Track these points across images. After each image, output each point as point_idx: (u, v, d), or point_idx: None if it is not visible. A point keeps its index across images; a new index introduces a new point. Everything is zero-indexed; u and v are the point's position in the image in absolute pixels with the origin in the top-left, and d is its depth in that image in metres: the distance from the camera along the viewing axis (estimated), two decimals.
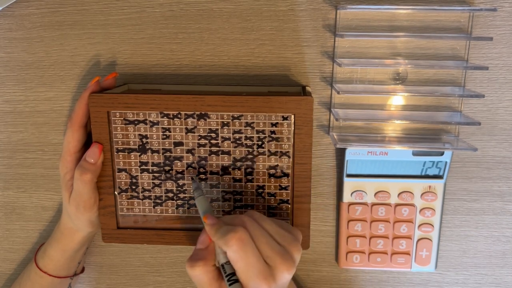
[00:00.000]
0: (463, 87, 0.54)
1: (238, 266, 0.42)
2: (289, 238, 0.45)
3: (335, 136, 0.55)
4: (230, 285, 0.42)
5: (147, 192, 0.53)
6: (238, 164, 0.51)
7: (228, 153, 0.51)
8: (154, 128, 0.50)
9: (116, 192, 0.53)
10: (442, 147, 0.52)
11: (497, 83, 0.54)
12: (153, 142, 0.51)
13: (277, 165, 0.51)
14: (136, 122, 0.50)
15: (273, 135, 0.50)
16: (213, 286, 0.44)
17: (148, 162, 0.52)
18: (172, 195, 0.53)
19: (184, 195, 0.52)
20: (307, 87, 0.54)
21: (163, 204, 0.53)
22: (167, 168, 0.52)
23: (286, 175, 0.51)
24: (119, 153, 0.51)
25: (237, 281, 0.42)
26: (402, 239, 0.57)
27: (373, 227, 0.57)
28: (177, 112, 0.50)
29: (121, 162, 0.52)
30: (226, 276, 0.43)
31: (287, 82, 0.55)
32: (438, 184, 0.55)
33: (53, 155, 0.60)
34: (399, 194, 0.55)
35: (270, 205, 0.52)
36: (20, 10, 0.56)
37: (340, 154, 0.57)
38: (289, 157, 0.51)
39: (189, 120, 0.50)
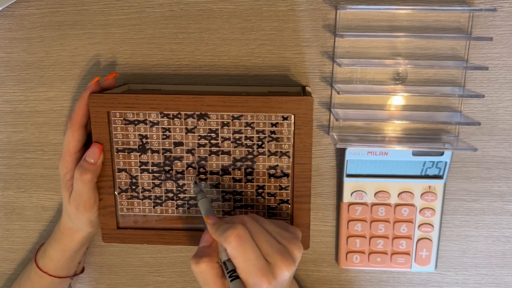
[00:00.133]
0: (463, 87, 0.54)
1: (238, 262, 0.42)
2: (289, 236, 0.45)
3: (335, 136, 0.55)
4: (231, 281, 0.43)
5: (147, 192, 0.53)
6: (238, 164, 0.51)
7: (228, 153, 0.51)
8: (154, 128, 0.51)
9: (116, 192, 0.53)
10: (442, 147, 0.52)
11: (497, 83, 0.54)
12: (153, 142, 0.51)
13: (277, 165, 0.51)
14: (136, 122, 0.50)
15: (273, 135, 0.50)
16: (217, 283, 0.44)
17: (148, 162, 0.52)
18: (172, 195, 0.53)
19: (184, 195, 0.52)
20: (307, 87, 0.54)
21: (163, 204, 0.53)
22: (167, 168, 0.52)
23: (286, 175, 0.51)
24: (119, 153, 0.51)
25: (238, 277, 0.43)
26: (402, 239, 0.57)
27: (373, 227, 0.57)
28: (177, 112, 0.50)
29: (121, 162, 0.52)
30: (228, 272, 0.43)
31: (287, 82, 0.55)
32: (438, 184, 0.55)
33: (53, 155, 0.60)
34: (399, 194, 0.55)
35: (270, 205, 0.52)
36: (20, 10, 0.56)
37: (340, 154, 0.57)
38: (289, 157, 0.51)
39: (189, 120, 0.50)
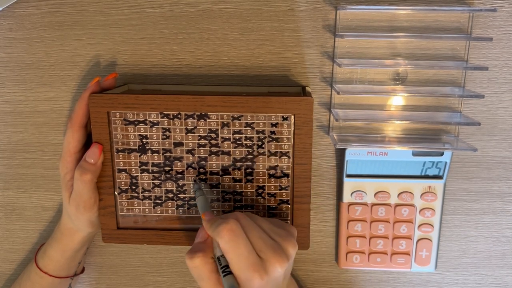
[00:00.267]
0: (463, 87, 0.54)
1: (230, 257, 0.43)
2: (284, 234, 0.46)
3: (335, 136, 0.55)
4: (223, 276, 0.43)
5: (147, 193, 0.53)
6: (238, 164, 0.51)
7: (228, 153, 0.51)
8: (154, 129, 0.51)
9: (116, 193, 0.53)
10: (442, 147, 0.52)
11: (497, 83, 0.54)
12: (153, 143, 0.51)
13: (277, 166, 0.51)
14: (136, 123, 0.50)
15: (273, 136, 0.50)
16: (211, 278, 0.44)
17: (148, 163, 0.52)
18: (172, 195, 0.53)
19: (184, 195, 0.52)
20: (307, 88, 0.54)
21: (163, 204, 0.53)
22: (167, 168, 0.52)
23: (286, 175, 0.51)
24: (119, 153, 0.51)
25: (230, 273, 0.43)
26: (402, 239, 0.57)
27: (373, 227, 0.57)
28: (177, 113, 0.50)
29: (121, 163, 0.52)
30: (221, 268, 0.43)
31: (287, 82, 0.55)
32: (438, 184, 0.55)
33: (53, 156, 0.60)
34: (399, 194, 0.55)
35: (270, 205, 0.52)
36: (20, 10, 0.56)
37: (340, 154, 0.57)
38: (289, 157, 0.51)
39: (189, 120, 0.50)
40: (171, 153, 0.51)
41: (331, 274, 0.61)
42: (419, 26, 0.53)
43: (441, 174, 0.55)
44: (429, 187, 0.55)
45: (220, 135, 0.50)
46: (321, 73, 0.55)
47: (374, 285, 0.61)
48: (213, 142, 0.51)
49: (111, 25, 0.55)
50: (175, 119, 0.50)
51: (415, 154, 0.53)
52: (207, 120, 0.50)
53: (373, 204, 0.56)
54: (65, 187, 0.53)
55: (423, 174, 0.55)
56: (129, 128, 0.51)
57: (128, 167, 0.52)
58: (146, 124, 0.50)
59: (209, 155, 0.51)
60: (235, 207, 0.52)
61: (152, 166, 0.52)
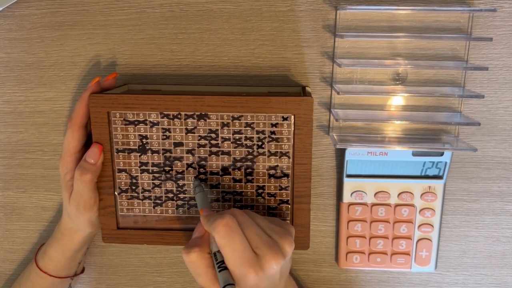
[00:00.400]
0: (463, 87, 0.54)
1: (225, 252, 0.43)
2: (280, 231, 0.45)
3: (335, 137, 0.55)
4: (219, 272, 0.43)
5: (147, 193, 0.53)
6: (238, 164, 0.51)
7: (228, 153, 0.51)
8: (154, 129, 0.51)
9: (116, 193, 0.53)
10: (442, 147, 0.52)
11: (497, 83, 0.54)
12: (153, 143, 0.51)
13: (277, 166, 0.51)
14: (136, 123, 0.50)
15: (273, 136, 0.50)
16: (208, 273, 0.44)
17: (148, 163, 0.52)
18: (172, 195, 0.53)
19: (184, 195, 0.52)
20: (307, 88, 0.54)
21: (163, 204, 0.53)
22: (167, 168, 0.52)
23: (286, 175, 0.51)
24: (119, 153, 0.51)
25: (226, 268, 0.43)
26: (402, 240, 0.57)
27: (373, 228, 0.57)
28: (177, 113, 0.50)
29: (121, 163, 0.52)
30: (217, 263, 0.43)
31: (287, 82, 0.55)
32: (438, 185, 0.55)
33: (53, 156, 0.60)
34: (399, 195, 0.55)
35: (270, 206, 0.52)
36: (20, 10, 0.56)
37: (340, 154, 0.57)
38: (289, 157, 0.51)
39: (189, 120, 0.50)
40: (171, 153, 0.51)
41: (331, 274, 0.61)
42: (419, 26, 0.53)
43: (441, 174, 0.55)
44: (429, 187, 0.55)
45: (220, 135, 0.50)
46: (321, 73, 0.55)
47: (374, 285, 0.61)
48: (213, 142, 0.51)
49: (111, 25, 0.55)
50: (175, 119, 0.50)
51: (415, 154, 0.53)
52: (207, 120, 0.50)
53: (373, 204, 0.56)
54: (65, 187, 0.53)
55: (423, 174, 0.55)
56: (129, 128, 0.51)
57: (128, 167, 0.52)
58: (146, 124, 0.50)
59: (209, 155, 0.51)
60: (235, 207, 0.52)
61: (152, 166, 0.52)
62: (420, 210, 0.56)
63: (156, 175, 0.52)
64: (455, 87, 0.54)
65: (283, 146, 0.50)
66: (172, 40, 0.55)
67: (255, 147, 0.50)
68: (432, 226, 0.56)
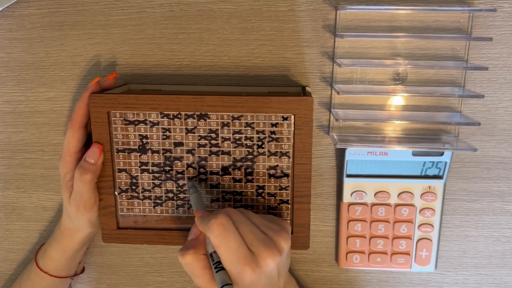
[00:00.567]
0: (463, 87, 0.54)
1: (220, 251, 0.43)
2: (276, 228, 0.45)
3: (335, 136, 0.55)
4: (216, 272, 0.43)
5: (147, 192, 0.53)
6: (238, 164, 0.51)
7: (228, 153, 0.51)
8: (154, 129, 0.51)
9: (116, 192, 0.53)
10: (442, 147, 0.52)
11: (497, 83, 0.54)
12: (153, 143, 0.51)
13: (277, 165, 0.51)
14: (136, 123, 0.50)
15: (273, 135, 0.50)
16: (205, 275, 0.44)
17: (148, 163, 0.52)
18: (172, 195, 0.53)
19: (184, 195, 0.52)
20: (307, 88, 0.54)
21: (163, 204, 0.53)
22: (167, 168, 0.52)
23: (286, 175, 0.51)
24: (119, 153, 0.51)
25: (223, 268, 0.43)
26: (402, 239, 0.57)
27: (373, 227, 0.57)
28: (177, 113, 0.50)
29: (121, 163, 0.52)
30: (214, 264, 0.43)
31: (287, 82, 0.55)
32: (438, 184, 0.55)
33: (53, 155, 0.60)
34: (399, 194, 0.55)
35: (270, 205, 0.52)
36: (20, 10, 0.56)
37: (340, 154, 0.57)
38: (289, 157, 0.51)
39: (189, 120, 0.50)
40: (171, 153, 0.51)
41: (331, 274, 0.61)
42: (419, 26, 0.53)
43: (441, 174, 0.55)
44: (429, 187, 0.55)
45: (220, 135, 0.50)
46: (321, 73, 0.55)
47: (374, 285, 0.61)
48: (213, 142, 0.51)
49: (111, 25, 0.55)
50: (175, 119, 0.50)
51: (415, 154, 0.53)
52: (207, 120, 0.50)
53: (373, 204, 0.56)
54: (65, 187, 0.53)
55: (423, 174, 0.55)
56: (129, 128, 0.51)
57: (128, 167, 0.52)
58: (146, 124, 0.50)
59: (209, 155, 0.51)
60: (235, 207, 0.52)
61: (152, 166, 0.52)
62: (420, 210, 0.56)
63: (156, 175, 0.52)
64: (455, 87, 0.54)
65: (283, 146, 0.50)
66: (172, 40, 0.55)
67: (255, 147, 0.50)
68: (432, 226, 0.56)
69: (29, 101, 0.58)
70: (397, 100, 0.55)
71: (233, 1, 0.54)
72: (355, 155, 0.54)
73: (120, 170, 0.52)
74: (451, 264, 0.59)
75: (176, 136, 0.51)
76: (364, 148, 0.53)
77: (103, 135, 0.51)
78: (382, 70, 0.54)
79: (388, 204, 0.56)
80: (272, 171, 0.51)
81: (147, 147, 0.51)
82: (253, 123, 0.50)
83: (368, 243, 0.57)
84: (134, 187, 0.52)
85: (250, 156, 0.51)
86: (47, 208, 0.62)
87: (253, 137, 0.50)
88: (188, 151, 0.51)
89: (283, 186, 0.51)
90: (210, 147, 0.51)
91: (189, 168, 0.52)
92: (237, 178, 0.52)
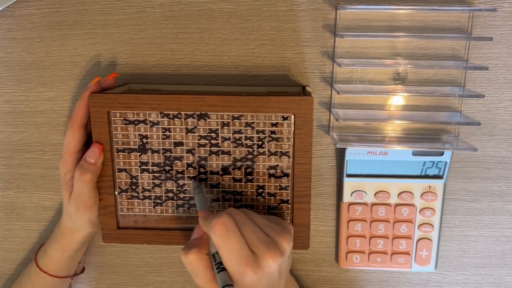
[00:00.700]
0: (463, 87, 0.54)
1: (222, 252, 0.42)
2: (278, 229, 0.45)
3: (335, 136, 0.55)
4: (217, 273, 0.43)
5: (147, 192, 0.53)
6: (238, 164, 0.51)
7: (228, 153, 0.51)
8: (154, 128, 0.51)
9: (116, 192, 0.53)
10: (442, 147, 0.52)
11: (497, 83, 0.54)
12: (153, 142, 0.51)
13: (277, 165, 0.51)
14: (136, 122, 0.50)
15: (273, 135, 0.50)
16: (206, 275, 0.44)
17: (148, 162, 0.52)
18: (172, 195, 0.53)
19: (184, 195, 0.52)
20: (307, 87, 0.54)
21: (163, 204, 0.53)
22: (167, 168, 0.52)
23: (286, 175, 0.51)
24: (119, 153, 0.51)
25: (224, 269, 0.43)
26: (402, 239, 0.57)
27: (373, 227, 0.57)
28: (177, 112, 0.50)
29: (121, 162, 0.52)
30: (216, 264, 0.43)
31: (287, 82, 0.55)
32: (438, 184, 0.55)
33: (53, 155, 0.60)
34: (399, 194, 0.55)
35: (270, 205, 0.52)
36: (20, 10, 0.56)
37: (340, 154, 0.57)
38: (289, 157, 0.51)
39: (189, 120, 0.50)
40: (171, 152, 0.51)
41: (331, 274, 0.61)
42: (419, 26, 0.53)
43: (441, 174, 0.55)
44: (429, 187, 0.55)
45: (220, 134, 0.50)
46: (321, 73, 0.55)
47: (374, 285, 0.61)
48: (213, 141, 0.51)
49: (111, 25, 0.55)
50: (175, 119, 0.50)
51: (415, 154, 0.53)
52: (207, 120, 0.50)
53: (373, 204, 0.56)
54: (65, 187, 0.53)
55: (423, 174, 0.55)
56: (129, 128, 0.51)
57: (128, 166, 0.52)
58: (146, 123, 0.50)
59: (209, 154, 0.51)
60: (235, 207, 0.52)
61: (152, 166, 0.52)
62: (420, 210, 0.56)
63: (156, 174, 0.52)
64: (455, 87, 0.54)
65: (283, 145, 0.50)
66: (172, 39, 0.55)
67: (255, 146, 0.50)
68: (432, 225, 0.56)
69: (29, 101, 0.58)
70: (397, 100, 0.55)
71: (233, 1, 0.54)
72: (355, 155, 0.54)
73: (120, 170, 0.52)
74: (451, 264, 0.59)
75: (176, 136, 0.51)
76: (364, 148, 0.53)
77: (103, 135, 0.51)
78: (382, 70, 0.54)
79: (388, 204, 0.56)
80: (272, 171, 0.51)
81: (147, 147, 0.51)
82: (253, 122, 0.50)
83: (368, 243, 0.57)
84: (134, 187, 0.52)
85: (250, 156, 0.51)
86: (47, 208, 0.62)
87: (253, 137, 0.50)
88: (188, 151, 0.51)
89: (283, 186, 0.51)
90: (210, 147, 0.51)
91: (189, 168, 0.52)
92: (237, 178, 0.52)
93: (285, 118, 0.49)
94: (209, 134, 0.50)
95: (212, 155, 0.51)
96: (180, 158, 0.51)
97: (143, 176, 0.52)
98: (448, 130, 0.55)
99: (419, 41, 0.53)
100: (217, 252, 0.44)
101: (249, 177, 0.51)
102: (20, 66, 0.57)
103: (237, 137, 0.50)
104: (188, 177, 0.52)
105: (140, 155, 0.51)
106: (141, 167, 0.52)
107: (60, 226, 0.56)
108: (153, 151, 0.51)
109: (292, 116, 0.49)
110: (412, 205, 0.56)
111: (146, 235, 0.53)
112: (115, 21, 0.55)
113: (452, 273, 0.60)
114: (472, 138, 0.55)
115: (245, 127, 0.50)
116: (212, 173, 0.52)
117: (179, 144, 0.51)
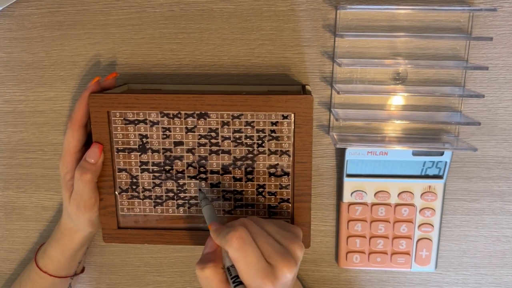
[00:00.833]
0: (463, 87, 0.54)
1: (239, 265, 0.42)
2: (290, 236, 0.45)
3: (335, 136, 0.55)
4: (234, 287, 0.42)
5: (147, 192, 0.53)
6: (239, 163, 0.51)
7: (228, 152, 0.51)
8: (154, 128, 0.51)
9: (116, 192, 0.53)
10: (442, 147, 0.52)
11: (497, 83, 0.54)
12: (153, 142, 0.51)
13: (277, 164, 0.51)
14: (136, 122, 0.50)
15: (273, 134, 0.50)
16: None
17: (148, 162, 0.52)
18: (173, 194, 0.53)
19: (185, 194, 0.52)
20: (307, 86, 0.54)
21: (164, 203, 0.53)
22: (167, 167, 0.52)
23: (287, 174, 0.51)
24: (119, 153, 0.51)
25: (241, 283, 0.42)
26: (402, 239, 0.57)
27: (373, 227, 0.57)
28: (177, 112, 0.50)
29: (121, 162, 0.52)
30: (231, 278, 0.43)
31: (287, 82, 0.55)
32: (438, 184, 0.55)
33: (53, 155, 0.60)
34: (399, 194, 0.55)
35: (270, 204, 0.52)
36: (20, 10, 0.56)
37: (340, 154, 0.57)
38: (289, 156, 0.51)
39: (189, 119, 0.50)
40: (171, 152, 0.51)
41: (331, 274, 0.61)
42: (419, 26, 0.53)
43: (441, 174, 0.55)
44: (429, 187, 0.55)
45: (220, 134, 0.50)
46: (321, 73, 0.55)
47: (374, 285, 0.61)
48: (213, 141, 0.51)
49: (111, 25, 0.55)
50: (175, 118, 0.50)
51: (415, 154, 0.53)
52: (207, 119, 0.50)
53: (373, 204, 0.56)
54: (65, 187, 0.53)
55: (423, 174, 0.55)
56: (129, 128, 0.51)
57: (128, 166, 0.52)
58: (146, 123, 0.50)
59: (209, 154, 0.51)
60: (236, 206, 0.52)
61: (152, 166, 0.52)
62: (420, 210, 0.56)
63: (157, 174, 0.52)
64: (455, 87, 0.54)
65: (283, 144, 0.50)
66: (172, 39, 0.55)
67: (255, 145, 0.50)
68: (432, 225, 0.56)
69: (29, 101, 0.58)
70: (397, 99, 0.55)
71: (233, 1, 0.54)
72: (355, 155, 0.54)
73: (120, 170, 0.52)
74: (451, 264, 0.59)
75: (176, 135, 0.51)
76: (364, 148, 0.53)
77: (103, 134, 0.51)
78: (382, 70, 0.54)
79: (388, 204, 0.56)
80: (272, 170, 0.51)
81: (147, 147, 0.51)
82: (253, 122, 0.50)
83: (368, 243, 0.57)
84: (134, 187, 0.52)
85: (250, 155, 0.51)
86: (47, 208, 0.62)
87: (253, 136, 0.50)
88: (188, 150, 0.51)
89: (284, 185, 0.51)
90: (210, 146, 0.51)
91: (189, 168, 0.52)
92: (238, 177, 0.52)
93: (285, 117, 0.49)
94: (209, 134, 0.50)
95: (212, 154, 0.51)
96: (180, 158, 0.51)
97: (143, 176, 0.52)
98: (448, 130, 0.55)
99: (419, 41, 0.53)
100: (232, 266, 0.43)
101: (250, 176, 0.51)
102: (20, 66, 0.57)
103: (237, 136, 0.50)
104: (189, 176, 0.52)
105: (140, 155, 0.51)
106: (141, 167, 0.52)
107: (60, 226, 0.56)
108: (153, 151, 0.51)
109: (292, 115, 0.49)
110: (412, 205, 0.56)
111: (146, 235, 0.53)
112: (115, 21, 0.55)
113: (452, 273, 0.60)
114: (472, 138, 0.55)
115: (245, 126, 0.50)
116: (212, 172, 0.52)
117: (179, 143, 0.51)
